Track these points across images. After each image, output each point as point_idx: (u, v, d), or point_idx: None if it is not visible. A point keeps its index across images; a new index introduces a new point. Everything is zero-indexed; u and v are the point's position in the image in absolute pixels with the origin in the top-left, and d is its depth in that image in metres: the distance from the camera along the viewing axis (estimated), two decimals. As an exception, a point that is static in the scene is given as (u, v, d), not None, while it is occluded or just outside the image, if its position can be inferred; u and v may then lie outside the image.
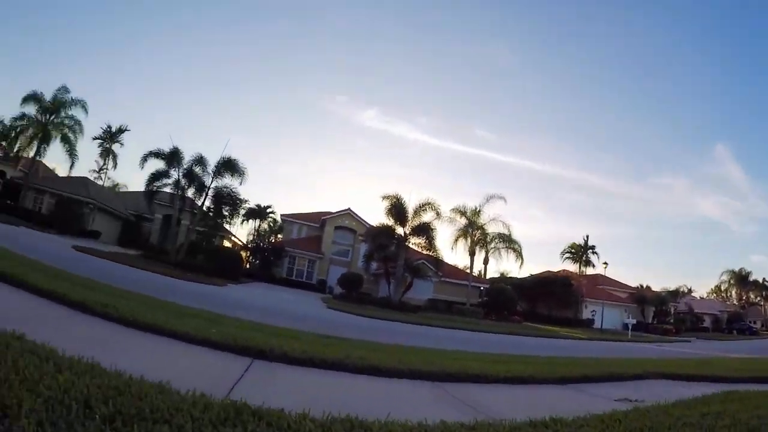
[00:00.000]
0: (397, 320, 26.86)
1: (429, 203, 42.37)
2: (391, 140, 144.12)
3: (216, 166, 42.56)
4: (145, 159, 42.61)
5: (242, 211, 49.38)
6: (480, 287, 53.62)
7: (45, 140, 50.46)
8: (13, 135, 50.79)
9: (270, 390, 5.12)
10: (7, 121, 50.77)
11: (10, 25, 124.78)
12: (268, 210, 68.42)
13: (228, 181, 43.24)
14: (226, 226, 51.01)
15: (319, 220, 63.27)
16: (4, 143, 52.84)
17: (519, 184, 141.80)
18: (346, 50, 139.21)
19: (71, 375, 3.41)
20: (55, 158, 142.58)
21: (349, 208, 61.78)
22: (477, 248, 49.57)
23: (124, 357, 4.86)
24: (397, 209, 42.23)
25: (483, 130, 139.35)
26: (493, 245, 50.73)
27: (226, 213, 45.18)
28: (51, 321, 6.37)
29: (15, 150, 51.74)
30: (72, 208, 48.34)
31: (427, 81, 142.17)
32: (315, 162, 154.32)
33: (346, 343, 10.26)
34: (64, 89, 51.09)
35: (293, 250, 58.90)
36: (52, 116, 50.79)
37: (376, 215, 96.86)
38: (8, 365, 3.28)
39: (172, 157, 42.11)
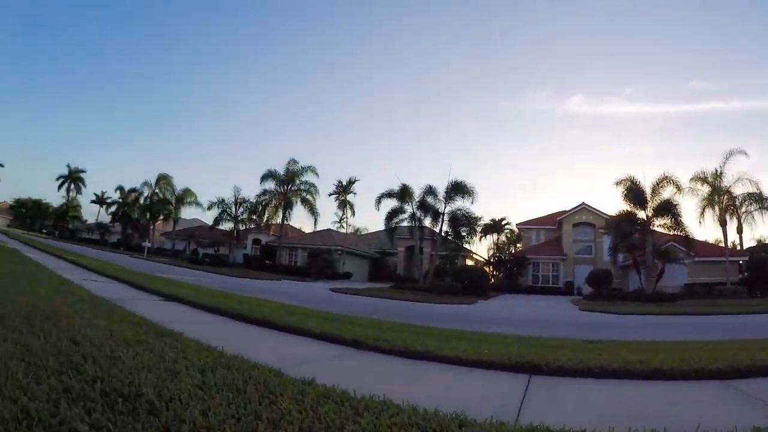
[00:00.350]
0: (653, 313, 24.80)
1: (666, 178, 38.82)
2: (603, 121, 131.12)
3: (446, 192, 44.00)
4: (379, 200, 46.46)
5: (478, 229, 49.81)
6: (738, 261, 46.82)
7: (287, 206, 60.38)
8: (260, 208, 62.43)
9: (557, 407, 4.84)
10: (252, 199, 63.12)
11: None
12: (503, 222, 68.07)
13: (459, 203, 44.34)
14: (466, 246, 51.81)
15: (555, 221, 61.82)
16: (254, 216, 64.10)
17: (752, 131, 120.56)
18: (535, 45, 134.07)
19: (370, 416, 3.36)
20: (299, 219, 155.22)
21: (582, 203, 59.32)
22: (727, 216, 44.20)
23: (406, 389, 4.82)
24: (634, 192, 39.38)
25: (696, 80, 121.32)
26: (744, 209, 44.84)
27: (464, 234, 45.89)
28: (330, 361, 6.55)
29: (265, 220, 63.44)
30: (322, 256, 53.44)
31: (622, 48, 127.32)
32: (535, 164, 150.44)
33: (614, 346, 9.65)
34: (293, 161, 60.69)
35: (535, 256, 57.91)
36: (289, 186, 60.13)
37: (612, 203, 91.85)
38: (309, 413, 3.29)
39: (403, 193, 44.59)
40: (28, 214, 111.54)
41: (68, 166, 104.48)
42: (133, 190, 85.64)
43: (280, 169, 60.30)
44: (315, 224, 62.89)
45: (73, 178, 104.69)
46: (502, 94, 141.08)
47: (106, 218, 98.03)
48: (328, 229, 66.40)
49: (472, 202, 44.24)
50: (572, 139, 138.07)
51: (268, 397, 3.57)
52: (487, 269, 58.92)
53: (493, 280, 55.13)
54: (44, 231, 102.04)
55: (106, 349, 4.41)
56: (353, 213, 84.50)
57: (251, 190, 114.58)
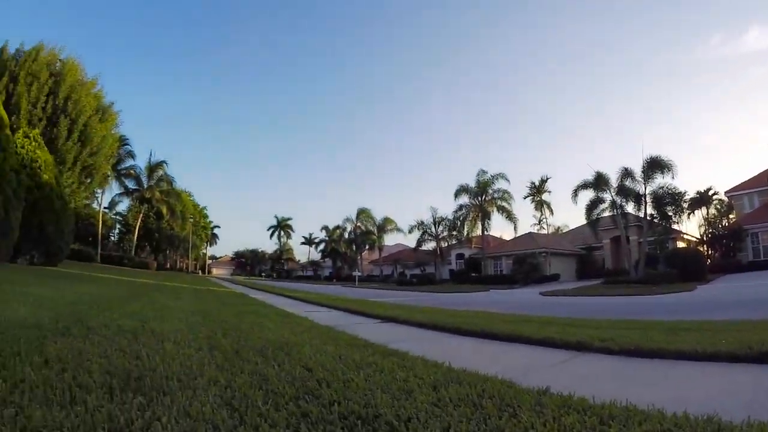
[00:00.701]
0: None
1: None
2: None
3: (642, 171, 41.46)
4: (575, 193, 45.20)
5: (685, 205, 45.63)
6: None
7: (485, 217, 62.32)
8: (458, 223, 65.65)
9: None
10: (449, 216, 67.25)
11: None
12: (710, 192, 62.62)
13: (660, 180, 41.41)
14: (675, 227, 47.62)
15: (766, 179, 54.06)
16: (454, 232, 67.94)
17: None
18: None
19: (618, 425, 3.15)
20: (498, 227, 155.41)
21: (791, 152, 51.43)
22: None
23: (644, 391, 4.54)
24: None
25: None
26: None
27: (670, 213, 42.47)
28: (556, 367, 6.27)
29: (465, 234, 65.75)
30: (527, 261, 53.43)
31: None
32: (726, 119, 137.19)
33: None
34: (482, 172, 62.35)
35: (751, 225, 50.31)
36: (482, 196, 62.16)
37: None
38: (554, 426, 3.14)
39: (598, 181, 42.99)
40: (247, 262, 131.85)
41: (276, 216, 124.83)
42: (337, 227, 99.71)
43: (471, 182, 62.43)
44: (515, 230, 63.75)
45: (282, 226, 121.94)
46: (670, 52, 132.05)
47: (316, 256, 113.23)
48: (529, 233, 66.34)
49: (673, 177, 41.68)
50: (759, 81, 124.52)
51: (506, 411, 3.45)
52: (701, 249, 53.87)
53: (709, 261, 50.12)
54: (263, 274, 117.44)
55: (338, 372, 4.56)
56: (551, 212, 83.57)
57: (446, 207, 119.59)
